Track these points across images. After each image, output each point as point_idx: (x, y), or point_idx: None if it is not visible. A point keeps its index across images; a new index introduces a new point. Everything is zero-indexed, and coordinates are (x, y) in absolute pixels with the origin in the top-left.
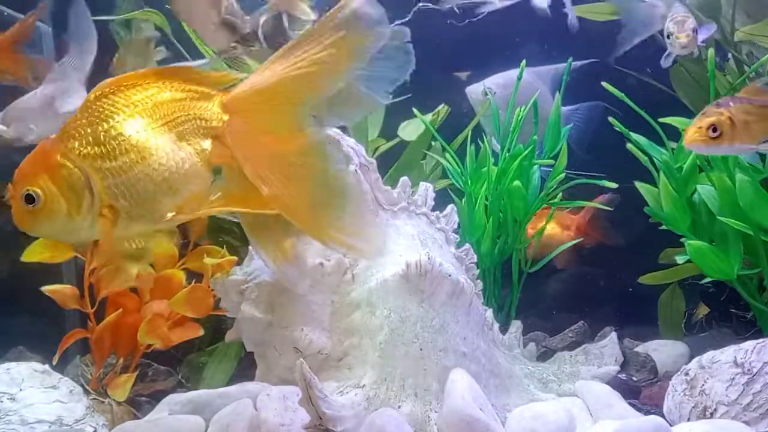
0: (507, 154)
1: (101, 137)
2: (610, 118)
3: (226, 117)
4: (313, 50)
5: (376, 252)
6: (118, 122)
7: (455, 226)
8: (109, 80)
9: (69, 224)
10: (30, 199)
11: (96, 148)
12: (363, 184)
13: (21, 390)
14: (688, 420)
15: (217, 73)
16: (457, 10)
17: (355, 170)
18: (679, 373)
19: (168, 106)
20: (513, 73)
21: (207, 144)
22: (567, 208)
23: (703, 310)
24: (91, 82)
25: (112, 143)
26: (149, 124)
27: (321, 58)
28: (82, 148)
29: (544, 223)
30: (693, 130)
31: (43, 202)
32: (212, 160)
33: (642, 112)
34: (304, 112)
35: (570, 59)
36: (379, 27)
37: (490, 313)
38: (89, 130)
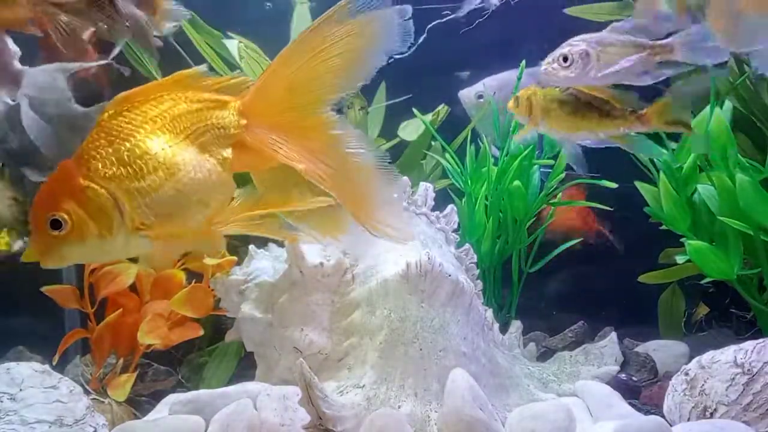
0: (506, 157)
1: (125, 157)
2: None
3: (244, 122)
4: (328, 43)
5: (407, 237)
6: (140, 140)
7: (455, 226)
8: (119, 98)
9: (100, 247)
10: (56, 224)
11: (122, 169)
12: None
13: (21, 390)
14: (688, 420)
15: (227, 79)
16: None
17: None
18: (679, 373)
19: (186, 119)
20: (506, 75)
21: (228, 152)
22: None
23: (703, 310)
24: None
25: (138, 162)
26: (171, 139)
27: (337, 50)
28: (106, 170)
29: (547, 219)
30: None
31: (71, 226)
32: (235, 167)
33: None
34: (324, 107)
35: None
36: (388, 10)
37: (490, 313)
38: (110, 150)
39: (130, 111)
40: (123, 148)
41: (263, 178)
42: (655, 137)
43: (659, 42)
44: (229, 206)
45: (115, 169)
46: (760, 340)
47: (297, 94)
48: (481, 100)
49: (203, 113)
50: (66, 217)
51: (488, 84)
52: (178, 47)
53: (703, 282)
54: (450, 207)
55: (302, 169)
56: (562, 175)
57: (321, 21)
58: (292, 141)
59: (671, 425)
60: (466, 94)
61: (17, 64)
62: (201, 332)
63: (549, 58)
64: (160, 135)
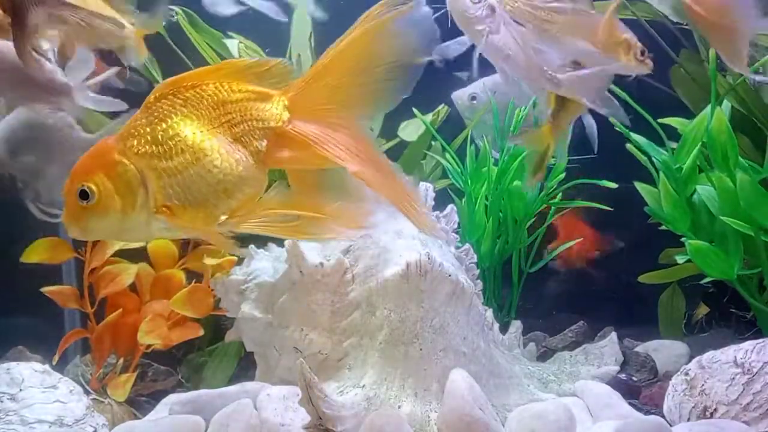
0: (506, 156)
1: (159, 137)
2: (610, 118)
3: (286, 116)
4: (365, 43)
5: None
6: (175, 122)
7: (455, 226)
8: (168, 81)
9: (122, 222)
10: (84, 194)
11: (153, 147)
12: None
13: (21, 390)
14: (688, 420)
15: (277, 66)
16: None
17: None
18: (679, 373)
19: (225, 107)
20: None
21: (263, 145)
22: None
23: (703, 310)
24: None
25: (168, 143)
26: (205, 125)
27: (381, 59)
28: (140, 147)
29: (545, 223)
30: None
31: (98, 198)
32: (268, 162)
33: (642, 112)
34: (369, 109)
35: None
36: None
37: (490, 313)
38: (148, 130)
39: (174, 95)
40: (159, 128)
41: (298, 179)
42: (656, 138)
43: (552, 74)
44: (254, 200)
45: (147, 147)
46: (760, 340)
47: (344, 95)
48: (475, 101)
49: (243, 104)
50: (94, 188)
51: (486, 84)
52: (176, 48)
53: (703, 282)
54: (450, 207)
55: (349, 168)
56: (562, 175)
57: (370, 25)
58: (339, 139)
59: (671, 425)
60: (460, 96)
61: (62, 77)
62: (201, 332)
63: None
64: (195, 119)
